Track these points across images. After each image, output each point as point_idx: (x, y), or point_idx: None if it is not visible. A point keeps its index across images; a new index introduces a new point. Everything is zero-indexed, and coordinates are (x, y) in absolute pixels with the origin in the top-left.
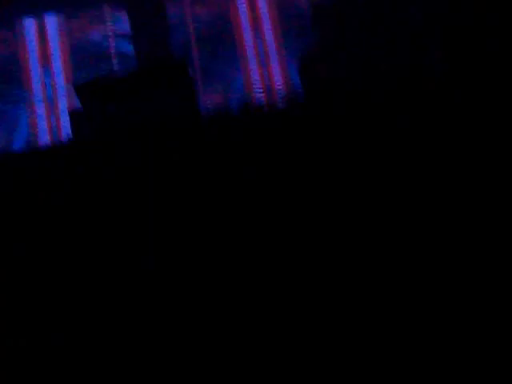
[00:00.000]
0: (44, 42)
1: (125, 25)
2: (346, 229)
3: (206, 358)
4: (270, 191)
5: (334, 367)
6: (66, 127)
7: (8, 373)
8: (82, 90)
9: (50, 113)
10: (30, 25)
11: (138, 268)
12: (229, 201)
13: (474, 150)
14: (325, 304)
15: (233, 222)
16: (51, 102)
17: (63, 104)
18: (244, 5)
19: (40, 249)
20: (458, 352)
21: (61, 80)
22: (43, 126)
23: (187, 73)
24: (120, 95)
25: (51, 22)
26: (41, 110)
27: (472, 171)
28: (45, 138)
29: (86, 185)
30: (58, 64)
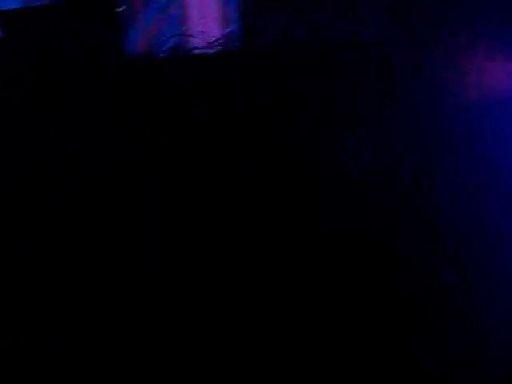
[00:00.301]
0: None
1: None
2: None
3: (206, 358)
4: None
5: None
6: None
7: (8, 373)
8: (4, 17)
9: None
10: None
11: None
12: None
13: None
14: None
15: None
16: None
17: None
18: None
19: None
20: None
21: None
22: None
23: (116, 9)
24: (44, 26)
25: None
26: None
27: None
28: None
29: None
30: None
